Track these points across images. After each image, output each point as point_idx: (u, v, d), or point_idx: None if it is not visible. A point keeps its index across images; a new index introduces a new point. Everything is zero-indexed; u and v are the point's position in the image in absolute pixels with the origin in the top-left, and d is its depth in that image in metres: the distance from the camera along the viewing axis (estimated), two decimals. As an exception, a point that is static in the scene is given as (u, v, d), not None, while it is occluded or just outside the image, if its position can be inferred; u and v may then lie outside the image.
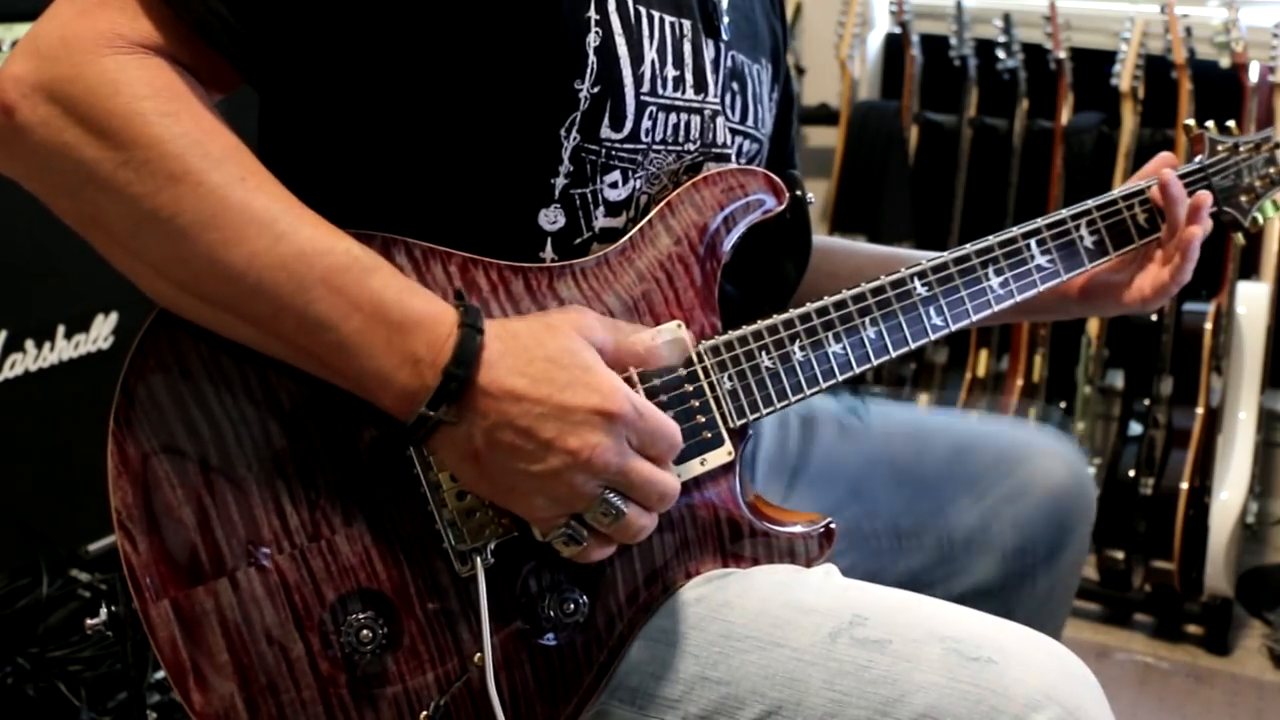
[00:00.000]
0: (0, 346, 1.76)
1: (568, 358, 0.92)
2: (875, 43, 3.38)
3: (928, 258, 1.17)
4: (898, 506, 1.35)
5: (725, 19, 1.14)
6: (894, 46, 3.32)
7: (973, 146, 3.12)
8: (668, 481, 0.95)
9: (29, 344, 1.80)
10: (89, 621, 1.07)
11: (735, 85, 1.17)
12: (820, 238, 1.41)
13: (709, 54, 1.12)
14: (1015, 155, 3.07)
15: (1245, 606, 2.81)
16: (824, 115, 3.32)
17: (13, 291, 1.77)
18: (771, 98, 1.26)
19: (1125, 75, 2.90)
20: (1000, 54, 3.07)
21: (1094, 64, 3.01)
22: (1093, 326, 2.94)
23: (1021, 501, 1.34)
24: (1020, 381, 3.02)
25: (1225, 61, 2.81)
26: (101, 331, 1.89)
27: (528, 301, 1.00)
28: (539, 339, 0.92)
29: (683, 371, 1.04)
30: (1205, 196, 1.30)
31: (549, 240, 1.03)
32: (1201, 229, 1.28)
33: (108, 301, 1.88)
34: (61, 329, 1.83)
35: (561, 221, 1.03)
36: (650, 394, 1.01)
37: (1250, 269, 2.84)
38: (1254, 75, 2.79)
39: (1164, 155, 1.35)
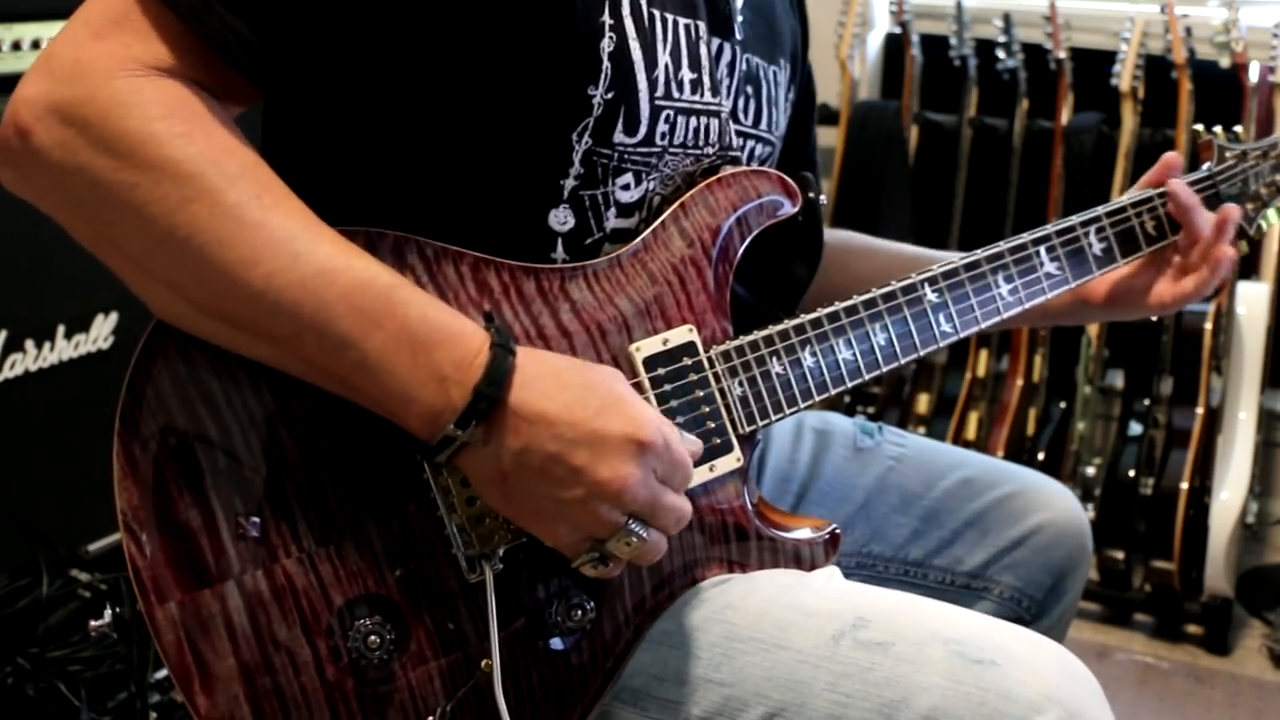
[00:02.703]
0: (0, 346, 1.75)
1: (602, 386, 0.91)
2: (875, 43, 3.37)
3: (941, 263, 1.17)
4: (905, 535, 1.36)
5: (740, 20, 1.13)
6: (894, 46, 3.31)
7: (973, 146, 3.11)
8: (685, 508, 0.95)
9: (29, 344, 1.79)
10: (93, 623, 1.06)
11: (750, 89, 1.16)
12: (837, 233, 1.41)
13: (724, 57, 1.11)
14: (1015, 155, 3.06)
15: (1245, 606, 2.81)
16: (824, 115, 3.31)
17: (13, 291, 1.76)
18: (787, 99, 1.26)
19: (1125, 75, 2.90)
20: (1000, 54, 3.07)
21: (1094, 64, 3.01)
22: (1093, 327, 2.94)
23: (1024, 549, 1.34)
24: (1020, 381, 3.02)
25: (1225, 61, 2.81)
26: (101, 331, 1.88)
27: (539, 303, 1.00)
28: (573, 367, 0.92)
29: (694, 377, 1.03)
30: (1233, 210, 1.29)
31: (559, 240, 1.02)
32: (1234, 249, 1.29)
33: (108, 301, 1.87)
34: (61, 329, 1.83)
35: (571, 222, 1.02)
36: (661, 399, 1.01)
37: (1250, 269, 2.84)
38: (1254, 75, 2.79)
39: (1168, 157, 1.35)
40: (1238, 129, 1.41)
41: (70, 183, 0.88)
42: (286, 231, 0.88)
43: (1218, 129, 1.39)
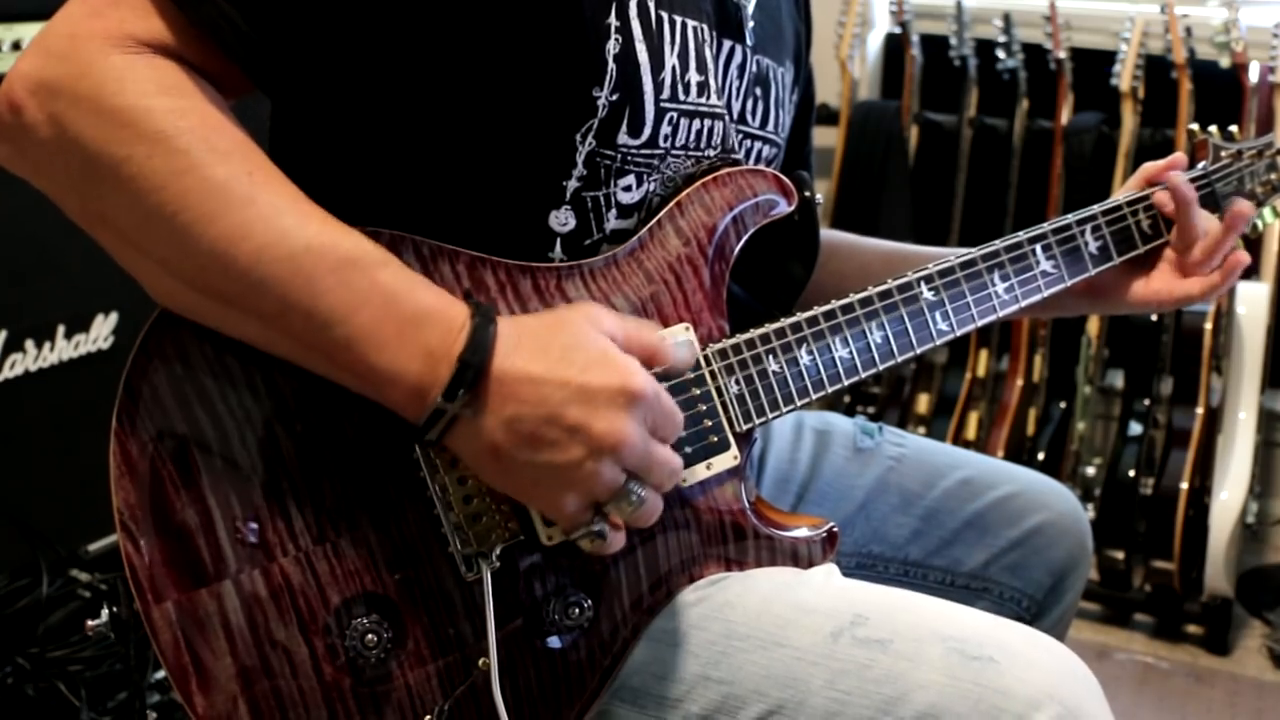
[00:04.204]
0: (0, 346, 1.75)
1: (584, 341, 0.90)
2: (875, 43, 3.37)
3: (935, 261, 1.17)
4: (905, 535, 1.36)
5: (751, 22, 1.13)
6: (894, 46, 3.32)
7: (973, 146, 3.12)
8: (676, 461, 0.94)
9: (29, 344, 1.79)
10: (90, 623, 1.07)
11: (759, 90, 1.16)
12: (824, 233, 1.41)
13: (735, 59, 1.11)
14: (1015, 155, 3.07)
15: (1245, 606, 2.81)
16: (824, 115, 3.31)
17: (13, 291, 1.76)
18: (792, 100, 1.26)
19: (1125, 75, 2.90)
20: (1000, 54, 3.07)
21: (1094, 64, 3.01)
22: (1093, 326, 2.94)
23: (1024, 549, 1.34)
24: (1020, 381, 3.02)
25: (1225, 61, 2.81)
26: (101, 331, 1.88)
27: (535, 301, 1.00)
28: (552, 328, 0.91)
29: (690, 375, 1.03)
30: (1246, 207, 1.29)
31: (559, 241, 1.02)
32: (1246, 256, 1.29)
33: (108, 301, 1.87)
34: (61, 329, 1.83)
35: (572, 223, 1.02)
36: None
37: (1250, 269, 2.83)
38: (1254, 75, 2.79)
39: (1175, 158, 1.34)
40: (1233, 128, 1.41)
41: (62, 158, 0.88)
42: (275, 208, 0.88)
43: (1213, 128, 1.39)
